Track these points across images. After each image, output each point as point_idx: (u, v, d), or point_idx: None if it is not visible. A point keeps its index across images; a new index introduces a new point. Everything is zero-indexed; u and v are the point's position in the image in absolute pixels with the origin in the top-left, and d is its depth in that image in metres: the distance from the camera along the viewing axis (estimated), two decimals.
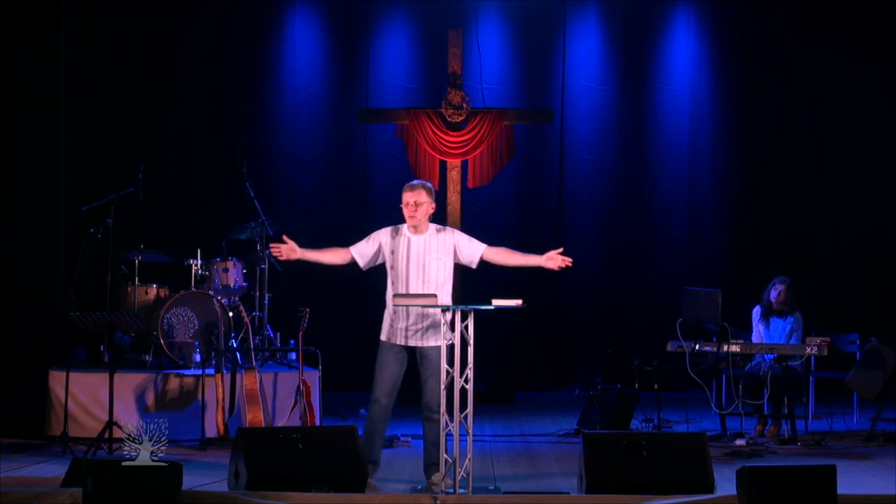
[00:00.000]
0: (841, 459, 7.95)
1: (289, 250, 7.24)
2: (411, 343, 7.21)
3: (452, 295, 7.09)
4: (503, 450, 8.63)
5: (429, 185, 7.36)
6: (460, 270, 10.85)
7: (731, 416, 9.07)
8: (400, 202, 7.28)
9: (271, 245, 7.31)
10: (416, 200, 7.21)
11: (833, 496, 5.80)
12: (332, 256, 7.38)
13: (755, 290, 9.69)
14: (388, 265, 7.29)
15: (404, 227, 7.31)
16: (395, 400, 7.26)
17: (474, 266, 7.43)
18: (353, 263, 7.37)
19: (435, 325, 7.14)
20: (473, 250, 7.35)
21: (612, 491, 6.25)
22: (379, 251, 7.30)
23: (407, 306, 7.11)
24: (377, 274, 7.42)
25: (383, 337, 7.29)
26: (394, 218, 12.25)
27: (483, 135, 10.92)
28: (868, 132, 11.88)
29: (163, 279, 9.92)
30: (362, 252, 7.33)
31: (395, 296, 7.05)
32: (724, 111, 12.20)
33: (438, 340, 7.07)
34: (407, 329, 7.19)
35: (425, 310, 7.14)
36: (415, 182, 7.35)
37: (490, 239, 11.96)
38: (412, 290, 7.16)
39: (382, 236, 7.32)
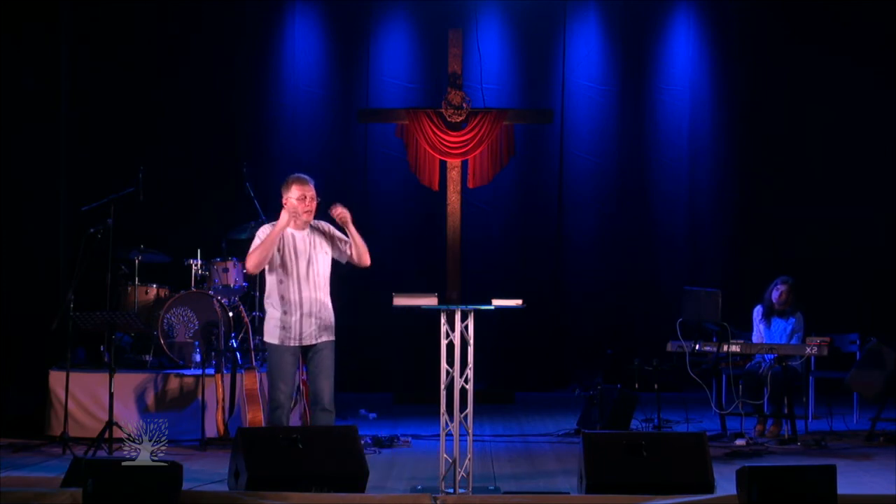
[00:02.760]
0: (841, 459, 7.95)
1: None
2: (306, 342, 7.14)
3: (451, 296, 7.03)
4: (503, 450, 8.63)
5: (311, 179, 7.23)
6: (461, 270, 10.95)
7: (731, 416, 9.07)
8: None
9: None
10: (312, 195, 7.14)
11: (833, 496, 5.80)
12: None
13: (755, 290, 9.68)
14: (273, 265, 7.15)
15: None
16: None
17: (343, 261, 7.32)
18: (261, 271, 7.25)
19: (326, 321, 7.15)
20: (345, 244, 7.24)
21: (612, 491, 6.25)
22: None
23: (406, 305, 7.08)
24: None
25: (275, 340, 7.13)
26: (394, 218, 12.28)
27: (483, 135, 10.92)
28: (868, 132, 11.87)
29: (163, 279, 9.92)
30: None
31: (396, 295, 6.98)
32: (724, 111, 12.20)
33: (330, 336, 7.16)
34: (301, 329, 7.11)
35: (318, 307, 7.11)
36: (302, 175, 7.19)
37: (490, 239, 12.12)
38: (303, 288, 7.10)
39: (262, 237, 7.17)
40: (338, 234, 7.25)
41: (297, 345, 7.13)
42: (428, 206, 11.52)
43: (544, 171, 12.23)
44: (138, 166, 9.33)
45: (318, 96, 12.00)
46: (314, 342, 7.15)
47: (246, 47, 11.84)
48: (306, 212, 7.13)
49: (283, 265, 7.12)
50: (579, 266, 12.24)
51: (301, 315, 7.10)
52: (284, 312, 7.11)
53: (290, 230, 7.16)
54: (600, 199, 12.21)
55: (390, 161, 11.83)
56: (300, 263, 7.12)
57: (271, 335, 7.16)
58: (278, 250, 7.12)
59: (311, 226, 7.22)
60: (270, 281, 7.19)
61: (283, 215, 7.13)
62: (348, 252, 7.23)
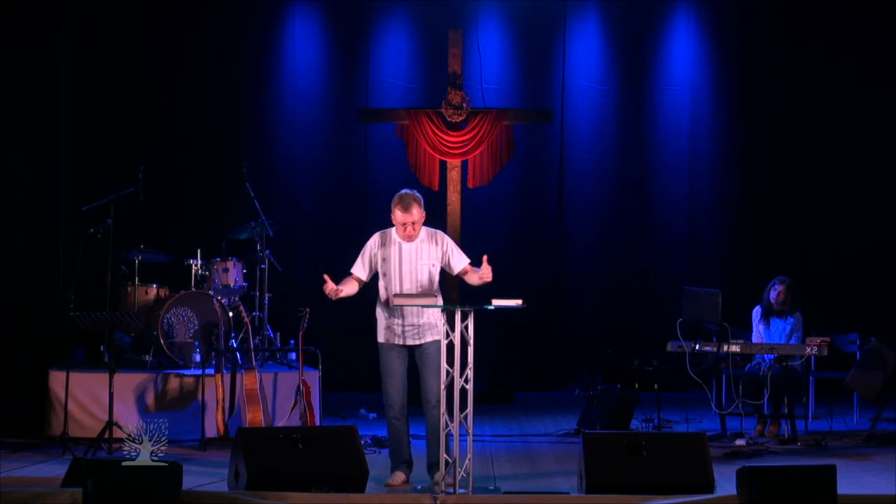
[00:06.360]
0: (841, 459, 7.96)
1: (333, 291, 7.22)
2: (409, 342, 7.23)
3: (451, 296, 7.04)
4: (503, 450, 8.63)
5: (418, 196, 7.29)
6: None
7: (731, 416, 9.07)
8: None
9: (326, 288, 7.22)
10: (413, 221, 7.20)
11: (833, 496, 5.80)
12: (350, 288, 7.33)
13: (755, 290, 9.68)
14: (380, 272, 7.30)
15: (393, 232, 7.31)
16: (407, 398, 7.28)
17: (453, 274, 7.45)
18: (367, 283, 7.39)
19: (430, 322, 7.18)
20: (458, 263, 7.34)
21: (612, 491, 6.26)
22: (372, 261, 7.32)
23: (406, 306, 7.11)
24: (377, 275, 7.41)
25: (381, 339, 7.30)
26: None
27: (483, 135, 10.92)
28: (868, 132, 11.87)
29: (163, 279, 9.92)
30: (361, 270, 7.34)
31: (395, 296, 7.06)
32: (724, 111, 12.19)
33: (435, 336, 7.14)
34: (404, 328, 7.20)
35: (420, 308, 7.17)
36: (404, 194, 7.25)
37: (489, 239, 12.12)
38: (404, 292, 7.18)
39: (371, 247, 7.32)
40: (453, 254, 7.29)
41: (401, 343, 7.22)
42: (428, 206, 11.50)
43: (544, 171, 12.22)
44: (138, 166, 9.33)
45: (318, 96, 12.00)
46: (419, 342, 7.21)
47: (246, 47, 11.84)
48: (409, 237, 7.21)
49: (388, 274, 7.24)
50: (579, 266, 12.24)
51: (403, 317, 7.19)
52: (389, 315, 7.24)
53: (397, 240, 7.26)
54: (600, 199, 12.21)
55: (390, 161, 11.83)
56: (403, 274, 7.20)
57: (379, 334, 7.30)
58: (384, 261, 7.23)
59: (423, 236, 7.28)
60: (381, 286, 7.29)
61: (330, 291, 7.19)
62: (458, 271, 7.33)
